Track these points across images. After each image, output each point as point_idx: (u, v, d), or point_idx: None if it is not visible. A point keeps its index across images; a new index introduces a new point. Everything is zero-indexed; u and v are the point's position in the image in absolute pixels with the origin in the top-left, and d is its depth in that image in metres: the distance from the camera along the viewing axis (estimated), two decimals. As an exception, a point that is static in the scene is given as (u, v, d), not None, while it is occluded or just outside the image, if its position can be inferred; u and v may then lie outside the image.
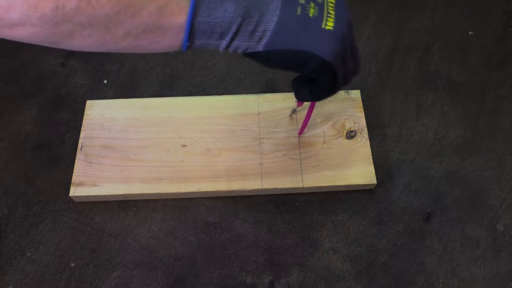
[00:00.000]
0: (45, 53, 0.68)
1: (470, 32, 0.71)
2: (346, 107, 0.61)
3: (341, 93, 0.62)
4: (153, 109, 0.61)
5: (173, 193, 0.55)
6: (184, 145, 0.58)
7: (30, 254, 0.53)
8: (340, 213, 0.56)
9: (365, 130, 0.59)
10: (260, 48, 0.38)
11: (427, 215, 0.56)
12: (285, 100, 0.61)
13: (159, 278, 0.52)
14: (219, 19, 0.36)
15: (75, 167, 0.56)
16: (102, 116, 0.60)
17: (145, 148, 0.58)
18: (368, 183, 0.56)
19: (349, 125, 0.59)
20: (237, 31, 0.37)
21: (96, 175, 0.56)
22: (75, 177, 0.55)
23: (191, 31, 0.36)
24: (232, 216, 0.56)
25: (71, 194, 0.55)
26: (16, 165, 0.59)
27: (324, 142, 0.58)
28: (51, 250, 0.53)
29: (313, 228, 0.55)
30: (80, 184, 0.55)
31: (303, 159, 0.57)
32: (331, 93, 0.43)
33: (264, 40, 0.38)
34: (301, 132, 0.58)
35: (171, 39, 0.37)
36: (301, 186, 0.55)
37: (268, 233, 0.55)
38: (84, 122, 0.60)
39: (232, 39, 0.38)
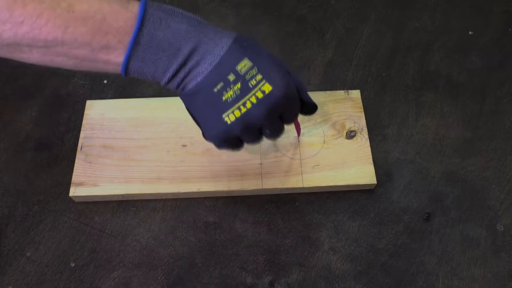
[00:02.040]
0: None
1: (470, 32, 0.71)
2: (346, 107, 0.61)
3: (341, 93, 0.62)
4: (153, 109, 0.61)
5: (173, 193, 0.55)
6: (184, 145, 0.58)
7: (30, 254, 0.53)
8: (340, 213, 0.56)
9: (365, 130, 0.59)
10: (181, 93, 0.41)
11: (427, 215, 0.56)
12: (285, 100, 0.61)
13: (159, 278, 0.52)
14: (150, 73, 0.38)
15: (75, 167, 0.56)
16: (102, 116, 0.60)
17: (145, 148, 0.58)
18: (368, 183, 0.56)
19: (349, 125, 0.59)
20: (168, 83, 0.39)
21: (96, 175, 0.56)
22: (75, 177, 0.55)
23: (127, 73, 0.38)
24: (232, 216, 0.56)
25: (71, 194, 0.55)
26: (16, 165, 0.59)
27: (324, 142, 0.58)
28: (51, 250, 0.53)
29: (313, 228, 0.55)
30: (80, 184, 0.55)
31: (303, 159, 0.57)
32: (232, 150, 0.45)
33: (183, 92, 0.40)
34: (299, 134, 0.58)
35: (112, 71, 0.39)
36: (301, 186, 0.55)
37: (268, 233, 0.55)
38: (84, 122, 0.60)
39: (165, 85, 0.40)
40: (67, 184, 0.56)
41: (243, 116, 0.38)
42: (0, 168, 0.59)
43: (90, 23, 0.35)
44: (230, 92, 0.38)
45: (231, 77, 0.38)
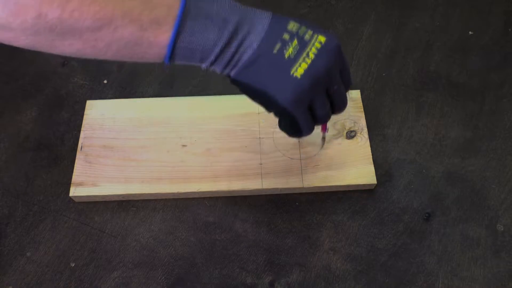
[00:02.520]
0: (45, 53, 0.67)
1: (470, 32, 0.71)
2: (346, 107, 0.61)
3: (341, 93, 0.62)
4: (153, 109, 0.61)
5: (173, 193, 0.55)
6: (184, 145, 0.58)
7: (30, 254, 0.53)
8: (340, 213, 0.56)
9: (365, 130, 0.59)
10: (232, 74, 0.39)
11: (427, 215, 0.56)
12: (285, 100, 0.61)
13: (159, 278, 0.52)
14: (200, 46, 0.37)
15: (75, 167, 0.56)
16: (102, 116, 0.60)
17: (145, 148, 0.58)
18: (368, 183, 0.56)
19: (349, 125, 0.59)
20: (215, 59, 0.38)
21: (96, 175, 0.56)
22: (75, 177, 0.55)
23: (172, 54, 0.37)
24: (232, 216, 0.56)
25: (71, 194, 0.55)
26: (16, 165, 0.59)
27: (324, 142, 0.58)
28: (51, 250, 0.53)
29: (313, 228, 0.55)
30: (80, 184, 0.55)
31: (303, 159, 0.57)
32: (295, 135, 0.44)
33: (235, 70, 0.39)
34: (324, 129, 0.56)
35: (153, 57, 0.38)
36: (301, 186, 0.55)
37: (268, 233, 0.55)
38: (84, 122, 0.60)
39: (211, 64, 0.38)
40: (67, 184, 0.56)
41: (310, 67, 0.38)
42: (0, 168, 0.59)
43: None
44: (290, 49, 0.38)
45: (286, 36, 0.38)
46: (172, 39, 0.36)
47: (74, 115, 0.62)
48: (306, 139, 0.55)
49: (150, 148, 0.58)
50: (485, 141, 0.61)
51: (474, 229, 0.55)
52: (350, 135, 0.59)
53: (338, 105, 0.43)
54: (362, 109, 0.61)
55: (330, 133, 0.59)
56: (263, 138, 0.58)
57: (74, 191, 0.55)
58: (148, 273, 0.52)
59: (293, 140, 0.58)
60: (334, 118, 0.60)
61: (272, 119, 0.60)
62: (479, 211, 0.56)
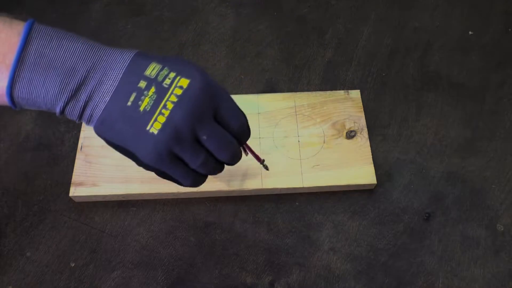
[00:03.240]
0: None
1: (470, 32, 0.71)
2: (346, 107, 0.61)
3: (341, 93, 0.62)
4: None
5: (173, 193, 0.55)
6: (184, 145, 0.58)
7: (30, 254, 0.53)
8: (340, 213, 0.56)
9: (365, 130, 0.59)
10: (92, 126, 0.35)
11: (427, 215, 0.56)
12: (285, 100, 0.61)
13: (159, 278, 0.52)
14: (41, 98, 0.33)
15: (75, 167, 0.56)
16: (102, 116, 0.60)
17: (145, 148, 0.58)
18: (368, 183, 0.56)
19: (349, 125, 0.59)
20: (62, 112, 0.34)
21: (96, 175, 0.56)
22: (75, 177, 0.55)
23: (14, 102, 0.34)
24: (232, 216, 0.56)
25: (71, 194, 0.55)
26: (16, 165, 0.59)
27: (324, 142, 0.58)
28: (51, 250, 0.53)
29: (313, 228, 0.55)
30: (80, 184, 0.55)
31: (303, 159, 0.57)
32: (184, 185, 0.39)
33: (93, 124, 0.35)
34: (258, 160, 0.51)
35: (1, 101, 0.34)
36: (301, 186, 0.55)
37: (268, 233, 0.55)
38: (84, 122, 0.60)
39: (62, 114, 0.35)
40: (67, 184, 0.56)
41: (168, 120, 0.33)
42: (0, 168, 0.59)
43: None
44: (146, 100, 0.33)
45: (142, 84, 0.33)
46: (7, 89, 0.32)
47: (74, 115, 0.62)
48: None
49: (150, 148, 0.58)
50: (485, 141, 0.61)
51: (474, 229, 0.55)
52: (350, 135, 0.59)
53: (220, 154, 0.37)
54: (362, 109, 0.61)
55: (330, 133, 0.59)
56: (263, 138, 0.58)
57: (74, 191, 0.55)
58: (148, 273, 0.52)
59: (294, 140, 0.58)
60: (334, 118, 0.60)
61: (272, 119, 0.60)
62: (479, 211, 0.56)
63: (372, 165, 0.56)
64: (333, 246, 0.54)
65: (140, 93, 0.33)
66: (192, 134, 0.35)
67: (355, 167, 0.56)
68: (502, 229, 0.55)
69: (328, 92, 0.62)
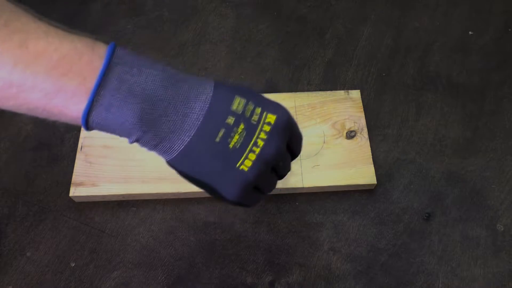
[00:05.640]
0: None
1: (470, 32, 0.71)
2: (346, 107, 0.61)
3: (341, 93, 0.62)
4: (153, 109, 0.61)
5: (173, 193, 0.55)
6: (184, 145, 0.58)
7: (30, 254, 0.53)
8: (340, 213, 0.56)
9: (365, 130, 0.59)
10: (166, 158, 0.34)
11: (427, 215, 0.56)
12: (285, 100, 0.61)
13: (159, 278, 0.52)
14: (117, 125, 0.32)
15: (75, 167, 0.56)
16: (102, 116, 0.60)
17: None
18: (368, 183, 0.56)
19: (349, 125, 0.59)
20: (138, 141, 0.33)
21: (96, 175, 0.56)
22: (75, 177, 0.55)
23: (88, 125, 0.32)
24: (232, 216, 0.56)
25: (71, 194, 0.55)
26: (16, 165, 0.59)
27: (324, 142, 0.58)
28: (51, 250, 0.53)
29: (313, 228, 0.55)
30: (80, 184, 0.55)
31: (303, 159, 0.57)
32: (250, 207, 0.40)
33: (169, 156, 0.34)
34: None
35: (70, 122, 0.33)
36: (301, 186, 0.55)
37: (268, 233, 0.55)
38: (84, 122, 0.60)
39: (136, 142, 0.33)
40: (67, 184, 0.56)
41: (258, 157, 0.33)
42: (0, 168, 0.59)
43: (45, 61, 0.29)
44: (236, 137, 0.33)
45: (230, 120, 0.33)
46: (84, 113, 0.31)
47: (74, 115, 0.62)
48: None
49: (150, 148, 0.58)
50: (485, 141, 0.61)
51: (474, 229, 0.55)
52: (350, 135, 0.59)
53: (281, 175, 0.40)
54: (362, 109, 0.61)
55: (330, 133, 0.59)
56: (263, 138, 0.58)
57: (74, 191, 0.55)
58: (148, 273, 0.52)
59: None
60: (334, 118, 0.60)
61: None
62: (479, 211, 0.56)
63: (372, 165, 0.56)
64: (333, 246, 0.54)
65: (230, 130, 0.33)
66: (274, 164, 0.36)
67: (355, 167, 0.56)
68: (502, 229, 0.55)
69: (328, 92, 0.62)
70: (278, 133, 0.34)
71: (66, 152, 0.60)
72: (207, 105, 0.33)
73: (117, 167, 0.56)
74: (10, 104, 0.32)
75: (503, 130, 0.62)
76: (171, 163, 0.34)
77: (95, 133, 0.58)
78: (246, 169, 0.33)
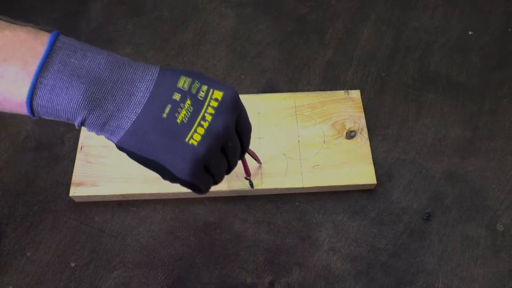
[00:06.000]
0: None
1: (470, 32, 0.71)
2: (346, 107, 0.61)
3: (341, 93, 0.62)
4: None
5: (173, 193, 0.55)
6: (184, 145, 0.58)
7: (30, 254, 0.53)
8: (340, 213, 0.56)
9: (365, 130, 0.59)
10: (114, 140, 0.34)
11: (427, 215, 0.56)
12: (285, 100, 0.61)
13: (159, 278, 0.52)
14: (62, 106, 0.32)
15: (75, 167, 0.56)
16: (102, 116, 0.60)
17: (145, 148, 0.58)
18: (368, 183, 0.56)
19: (349, 125, 0.59)
20: (83, 122, 0.33)
21: (96, 175, 0.56)
22: (75, 177, 0.55)
23: (33, 111, 0.32)
24: (232, 216, 0.56)
25: (71, 194, 0.55)
26: (16, 165, 0.59)
27: (324, 142, 0.58)
28: (51, 250, 0.53)
29: (313, 228, 0.55)
30: (80, 184, 0.55)
31: (303, 159, 0.57)
32: (198, 193, 0.39)
33: (117, 137, 0.34)
34: (247, 174, 0.53)
35: (15, 110, 0.33)
36: (301, 186, 0.55)
37: (268, 233, 0.55)
38: (84, 122, 0.60)
39: (81, 125, 0.34)
40: (67, 184, 0.56)
41: (207, 131, 0.33)
42: (0, 168, 0.59)
43: None
44: (183, 112, 0.33)
45: (177, 97, 0.33)
46: (28, 97, 0.31)
47: (74, 115, 0.62)
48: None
49: (150, 148, 0.58)
50: (485, 141, 0.61)
51: (474, 229, 0.55)
52: (350, 135, 0.59)
53: (233, 161, 0.39)
54: (362, 109, 0.61)
55: (330, 133, 0.59)
56: (263, 138, 0.58)
57: (74, 191, 0.55)
58: (148, 273, 0.52)
59: (294, 140, 0.58)
60: (334, 118, 0.60)
61: (272, 119, 0.60)
62: (479, 211, 0.56)
63: (372, 165, 0.56)
64: (333, 246, 0.54)
65: (176, 105, 0.33)
66: (223, 142, 0.36)
67: (355, 167, 0.56)
68: (502, 229, 0.55)
69: (328, 92, 0.62)
70: (226, 108, 0.34)
71: (66, 152, 0.60)
72: (152, 85, 0.33)
73: (117, 167, 0.56)
74: None
75: (503, 130, 0.62)
76: (120, 145, 0.34)
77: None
78: (195, 143, 0.33)
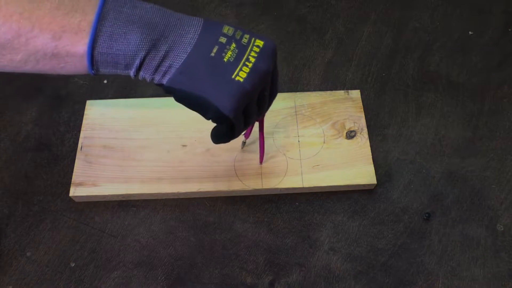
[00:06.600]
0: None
1: (470, 32, 0.71)
2: (346, 107, 0.61)
3: (341, 93, 0.62)
4: (153, 109, 0.61)
5: (173, 193, 0.55)
6: (184, 145, 0.58)
7: (30, 254, 0.53)
8: (340, 213, 0.56)
9: (365, 130, 0.59)
10: (164, 82, 0.37)
11: (427, 215, 0.56)
12: (285, 100, 0.61)
13: (159, 278, 0.52)
14: (122, 51, 0.35)
15: (75, 167, 0.56)
16: (102, 116, 0.60)
17: (145, 148, 0.58)
18: (368, 183, 0.56)
19: (349, 125, 0.60)
20: (141, 64, 0.36)
21: (96, 175, 0.56)
22: (75, 177, 0.55)
23: (93, 61, 0.35)
24: (232, 216, 0.56)
25: (71, 194, 0.55)
26: (16, 165, 0.59)
27: (324, 142, 0.58)
28: (51, 250, 0.53)
29: (313, 228, 0.55)
30: (80, 184, 0.55)
31: (303, 159, 0.57)
32: (226, 141, 0.42)
33: (168, 76, 0.36)
34: (261, 161, 0.56)
35: (75, 66, 0.35)
36: (301, 186, 0.55)
37: (268, 233, 0.55)
38: (84, 122, 0.60)
39: (138, 70, 0.36)
40: (67, 184, 0.56)
41: (252, 69, 0.36)
42: (0, 168, 0.59)
43: (48, 5, 0.32)
44: (229, 53, 0.36)
45: (223, 40, 0.36)
46: (89, 45, 0.34)
47: (74, 115, 0.62)
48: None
49: (150, 148, 0.58)
50: (485, 141, 0.61)
51: (474, 229, 0.55)
52: (350, 135, 0.59)
53: (262, 108, 0.42)
54: (362, 109, 0.61)
55: (330, 133, 0.59)
56: (263, 138, 0.58)
57: (74, 191, 0.55)
58: (148, 273, 0.52)
59: (294, 140, 0.58)
60: (334, 118, 0.60)
61: (272, 119, 0.60)
62: (479, 211, 0.56)
63: (372, 165, 0.56)
64: (333, 246, 0.54)
65: (223, 47, 0.36)
66: (263, 87, 0.38)
67: (355, 167, 0.56)
68: (502, 229, 0.55)
69: (328, 92, 0.62)
70: (267, 54, 0.37)
71: (66, 152, 0.60)
72: (200, 28, 0.36)
73: (117, 167, 0.56)
74: (19, 57, 0.34)
75: (503, 130, 0.62)
76: (170, 85, 0.37)
77: (95, 133, 0.59)
78: (241, 80, 0.36)
